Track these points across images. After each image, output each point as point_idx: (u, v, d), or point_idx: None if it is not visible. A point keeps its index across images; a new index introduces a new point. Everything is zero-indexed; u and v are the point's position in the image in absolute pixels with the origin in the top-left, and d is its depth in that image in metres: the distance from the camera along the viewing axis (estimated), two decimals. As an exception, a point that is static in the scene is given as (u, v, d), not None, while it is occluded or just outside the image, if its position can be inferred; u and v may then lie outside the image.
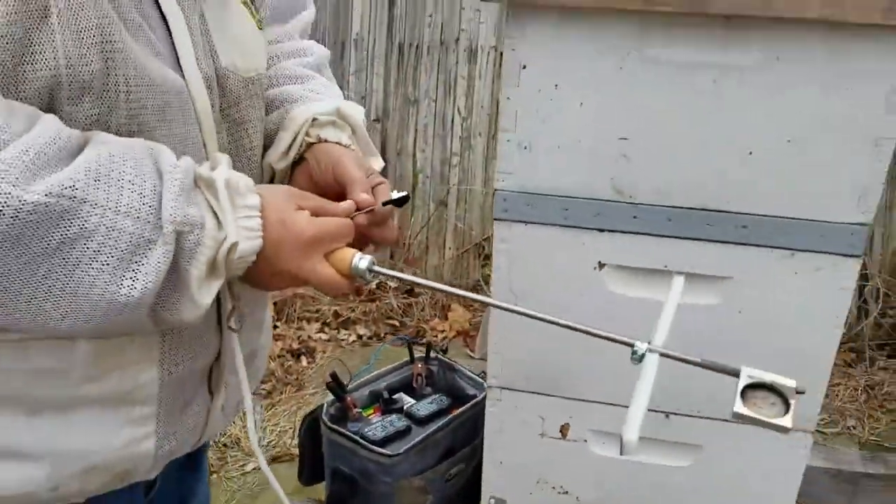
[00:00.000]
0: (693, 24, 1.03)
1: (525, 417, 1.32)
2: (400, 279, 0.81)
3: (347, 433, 1.49)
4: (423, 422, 1.57)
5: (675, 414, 1.26)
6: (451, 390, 1.68)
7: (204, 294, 0.67)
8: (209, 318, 0.80)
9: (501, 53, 2.73)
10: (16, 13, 0.59)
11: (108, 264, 0.61)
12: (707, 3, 1.00)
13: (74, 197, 0.59)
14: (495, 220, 1.21)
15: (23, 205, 0.57)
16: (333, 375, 1.59)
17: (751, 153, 1.08)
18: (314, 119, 0.87)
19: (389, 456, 1.45)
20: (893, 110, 1.01)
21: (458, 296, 0.79)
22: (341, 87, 3.08)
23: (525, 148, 1.15)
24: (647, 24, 1.04)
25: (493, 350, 1.31)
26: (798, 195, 1.08)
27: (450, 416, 1.58)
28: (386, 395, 1.61)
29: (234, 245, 0.67)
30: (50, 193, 0.58)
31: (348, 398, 1.55)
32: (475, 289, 2.85)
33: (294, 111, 0.88)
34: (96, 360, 0.72)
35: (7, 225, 0.56)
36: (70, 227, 0.59)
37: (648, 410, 1.35)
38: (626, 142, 1.11)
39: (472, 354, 2.63)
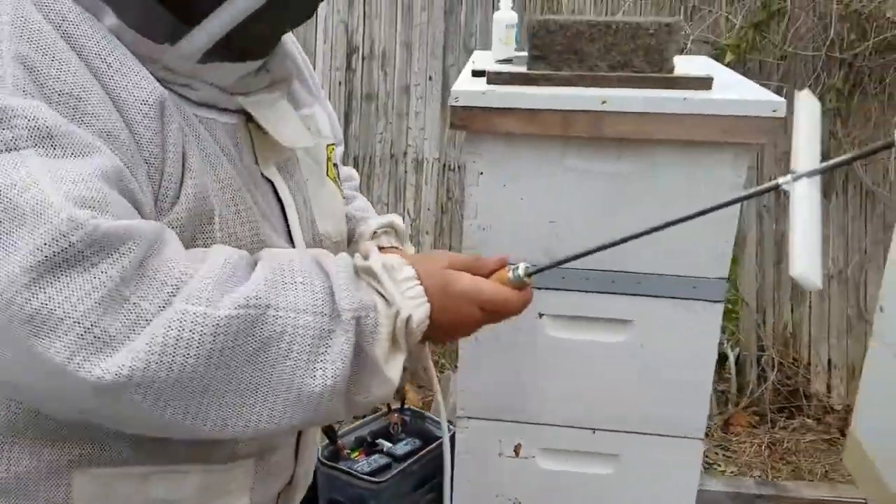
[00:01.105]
0: (595, 145, 1.50)
1: (487, 440, 1.70)
2: (556, 264, 0.91)
3: (342, 468, 1.82)
4: (400, 459, 1.92)
5: (600, 429, 1.66)
6: (421, 434, 2.04)
7: (391, 369, 0.74)
8: (288, 446, 0.91)
9: (444, 164, 3.23)
10: (188, 218, 0.73)
11: (299, 359, 0.67)
12: (603, 131, 1.47)
13: (259, 305, 0.66)
14: (462, 284, 1.62)
15: (219, 321, 0.63)
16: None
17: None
18: (374, 232, 1.07)
19: (377, 483, 1.79)
20: (732, 199, 1.50)
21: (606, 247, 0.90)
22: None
23: (483, 230, 1.58)
24: (567, 145, 1.51)
25: (461, 388, 1.69)
26: (676, 258, 1.54)
27: (421, 453, 1.93)
28: (369, 439, 1.96)
29: (410, 317, 0.74)
30: (238, 306, 0.65)
31: (340, 442, 1.89)
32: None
33: (360, 228, 1.08)
34: (203, 491, 0.80)
35: (210, 343, 0.63)
36: (262, 332, 0.66)
37: (576, 427, 1.79)
38: (554, 224, 1.55)
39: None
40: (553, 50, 1.54)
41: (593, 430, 1.66)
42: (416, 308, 0.75)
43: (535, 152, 1.52)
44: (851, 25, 2.92)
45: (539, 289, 1.58)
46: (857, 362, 2.97)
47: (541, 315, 1.60)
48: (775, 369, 2.98)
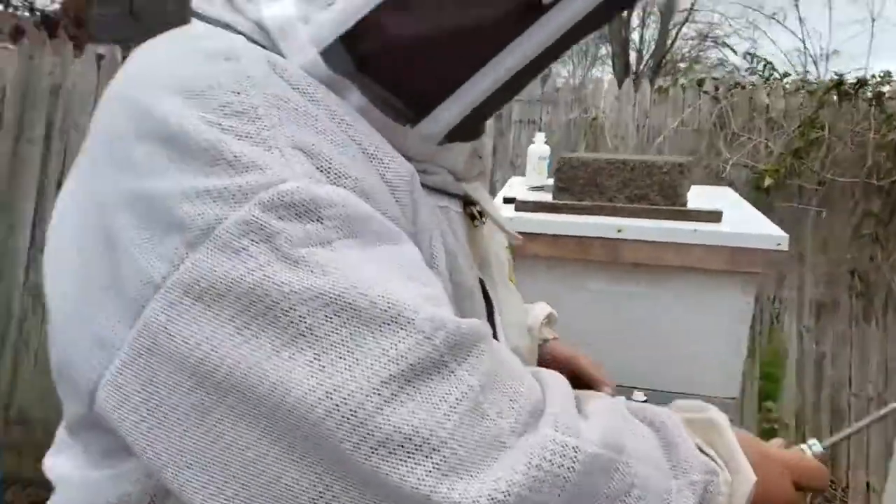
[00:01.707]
0: (613, 268, 1.63)
1: None
2: (852, 433, 0.88)
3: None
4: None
5: None
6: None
7: None
8: None
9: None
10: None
11: None
12: (620, 256, 1.61)
13: (616, 447, 0.58)
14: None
15: (587, 458, 0.55)
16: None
17: (657, 349, 1.64)
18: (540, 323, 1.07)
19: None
20: (744, 322, 1.59)
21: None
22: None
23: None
24: (588, 268, 1.65)
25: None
26: (689, 378, 1.63)
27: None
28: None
29: (753, 484, 0.65)
30: (604, 445, 0.56)
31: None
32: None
33: (528, 321, 1.05)
34: None
35: (574, 480, 0.54)
36: (614, 477, 0.57)
37: None
38: (583, 338, 1.67)
39: None
40: (576, 183, 1.71)
41: None
42: (745, 481, 0.65)
43: (565, 274, 1.66)
44: (888, 154, 3.02)
45: (560, 401, 1.70)
46: (902, 489, 2.91)
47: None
48: (812, 492, 2.93)
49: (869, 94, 3.10)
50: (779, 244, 1.53)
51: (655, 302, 1.62)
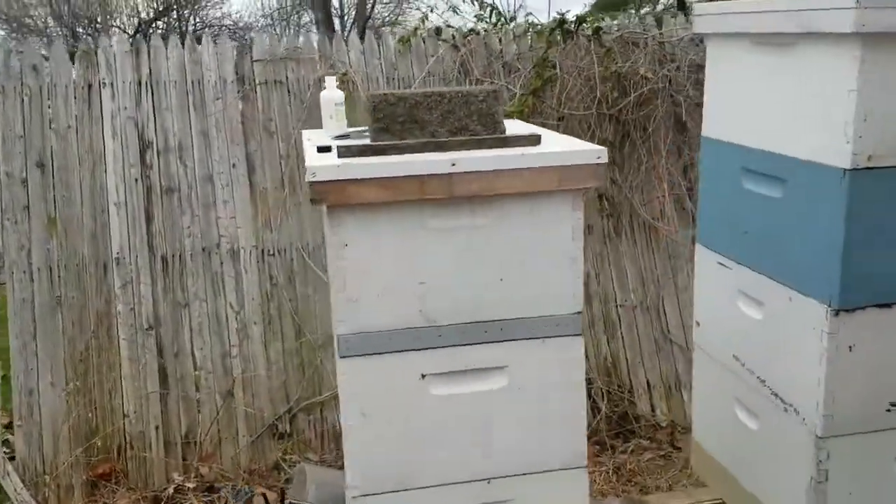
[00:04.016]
0: (450, 204, 1.58)
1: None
2: None
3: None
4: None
5: (495, 478, 1.70)
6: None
7: None
8: None
9: (262, 251, 3.17)
10: None
11: None
12: (455, 190, 1.56)
13: None
14: (340, 358, 1.61)
15: None
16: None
17: (501, 280, 1.63)
18: None
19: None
20: (577, 239, 1.64)
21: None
22: (109, 303, 3.24)
23: (354, 301, 1.59)
24: (424, 208, 1.58)
25: (352, 465, 1.66)
26: (536, 301, 1.65)
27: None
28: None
29: None
30: None
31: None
32: (276, 468, 3.06)
33: None
34: None
35: None
36: None
37: (471, 482, 1.77)
38: (424, 284, 1.61)
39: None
40: (396, 121, 1.62)
41: (488, 479, 1.70)
42: None
43: (396, 217, 1.57)
44: (613, 85, 3.34)
45: (421, 350, 1.62)
46: (670, 379, 3.30)
47: (423, 376, 1.63)
48: (605, 398, 3.21)
49: (588, 32, 3.38)
50: (599, 157, 1.59)
51: (493, 232, 1.61)
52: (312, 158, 1.59)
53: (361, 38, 3.37)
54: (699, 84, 3.43)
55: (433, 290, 1.61)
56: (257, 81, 3.22)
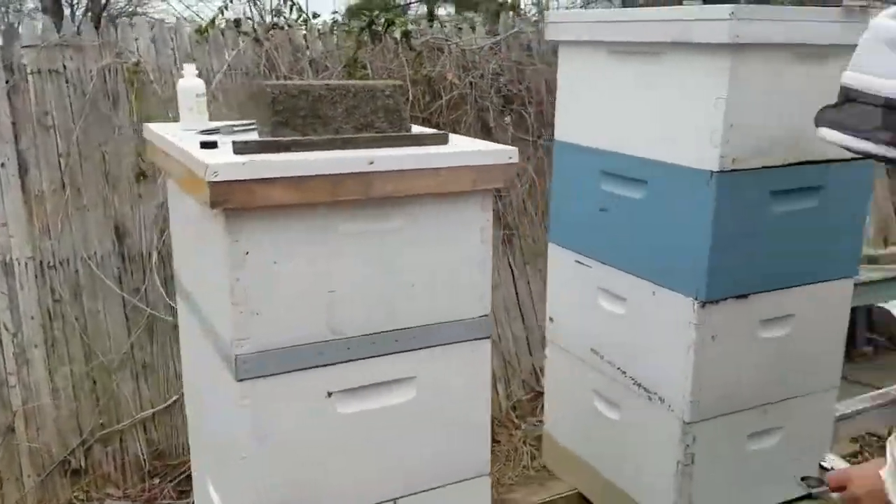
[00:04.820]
0: (362, 206, 1.46)
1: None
2: None
3: None
4: None
5: (402, 497, 1.60)
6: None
7: None
8: None
9: (41, 262, 2.70)
10: None
11: None
12: (372, 191, 1.45)
13: None
14: (239, 381, 1.41)
15: None
16: None
17: (413, 285, 1.55)
18: None
19: None
20: (486, 241, 1.61)
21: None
22: None
23: (257, 314, 1.41)
24: (334, 210, 1.44)
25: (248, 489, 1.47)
26: (444, 307, 1.58)
27: None
28: None
29: None
30: None
31: None
32: (68, 506, 2.62)
33: None
34: None
35: None
36: None
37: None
38: (333, 293, 1.47)
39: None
40: (297, 115, 1.46)
41: (394, 500, 1.60)
42: None
43: (304, 221, 1.41)
44: (425, 88, 3.35)
45: (327, 365, 1.48)
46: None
47: (329, 394, 1.49)
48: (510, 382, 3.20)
49: (398, 35, 3.36)
50: (510, 157, 1.57)
51: (405, 235, 1.52)
52: (207, 156, 1.37)
53: (96, 27, 3.00)
54: (499, 91, 3.60)
55: (343, 300, 1.48)
56: (28, 70, 2.74)
